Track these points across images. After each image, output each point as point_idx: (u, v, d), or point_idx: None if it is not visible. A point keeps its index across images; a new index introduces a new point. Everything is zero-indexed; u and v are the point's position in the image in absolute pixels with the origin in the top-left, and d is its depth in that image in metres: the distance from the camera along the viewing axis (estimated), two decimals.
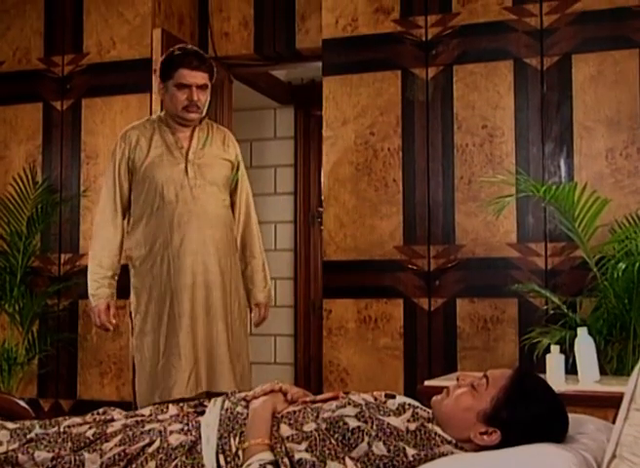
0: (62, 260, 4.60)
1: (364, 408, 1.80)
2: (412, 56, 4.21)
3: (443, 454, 1.71)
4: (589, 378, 3.17)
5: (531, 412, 1.73)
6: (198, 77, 3.25)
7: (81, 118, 4.66)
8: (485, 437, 1.74)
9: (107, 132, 4.58)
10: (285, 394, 1.99)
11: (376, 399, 1.88)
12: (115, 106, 4.59)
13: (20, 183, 4.58)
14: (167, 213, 3.21)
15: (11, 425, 2.03)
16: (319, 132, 4.72)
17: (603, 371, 3.32)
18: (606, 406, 2.75)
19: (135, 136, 3.33)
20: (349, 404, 1.83)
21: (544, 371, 3.16)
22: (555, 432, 1.75)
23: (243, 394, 2.01)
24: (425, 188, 4.16)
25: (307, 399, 1.97)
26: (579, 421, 1.91)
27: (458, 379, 1.87)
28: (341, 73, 4.34)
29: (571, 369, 3.28)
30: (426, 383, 3.28)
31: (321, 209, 5.01)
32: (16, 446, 1.92)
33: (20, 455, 1.89)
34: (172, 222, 3.21)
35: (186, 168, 3.28)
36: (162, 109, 3.47)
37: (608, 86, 3.89)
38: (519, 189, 3.72)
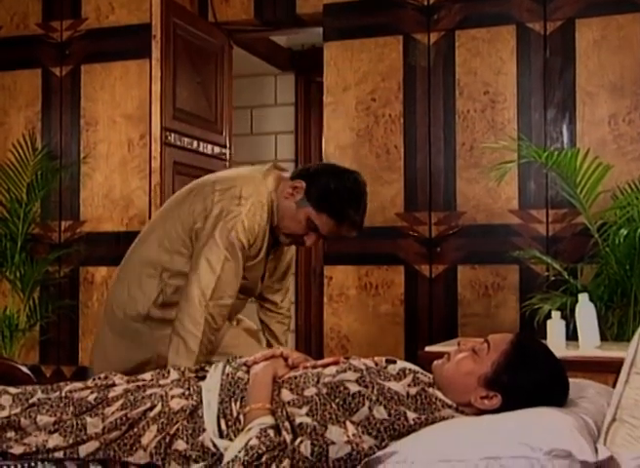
0: (63, 227, 4.59)
1: (365, 372, 1.80)
2: (413, 21, 4.17)
3: (444, 418, 1.72)
4: (590, 344, 3.18)
5: (532, 377, 1.74)
6: (332, 234, 2.64)
7: (80, 84, 4.63)
8: (485, 401, 1.74)
9: (107, 98, 4.56)
10: (286, 359, 2.00)
11: (376, 364, 1.88)
12: (115, 72, 4.56)
13: (20, 150, 4.56)
14: None
15: (13, 390, 2.04)
16: (320, 98, 4.69)
17: (604, 337, 3.34)
18: (606, 371, 2.76)
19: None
20: (350, 368, 1.83)
21: (545, 337, 3.16)
22: (556, 397, 1.76)
23: (244, 359, 2.02)
24: (427, 155, 4.14)
25: (308, 364, 1.97)
26: (579, 386, 1.92)
27: (459, 344, 1.87)
28: (343, 39, 4.31)
29: (571, 335, 3.28)
30: (427, 349, 3.29)
31: None
32: (18, 410, 1.93)
33: (22, 419, 1.89)
34: None
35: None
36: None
37: (611, 51, 3.85)
38: (521, 155, 3.71)
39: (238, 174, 2.72)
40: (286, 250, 2.86)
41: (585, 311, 3.21)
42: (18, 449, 1.84)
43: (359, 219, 2.61)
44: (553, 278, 3.78)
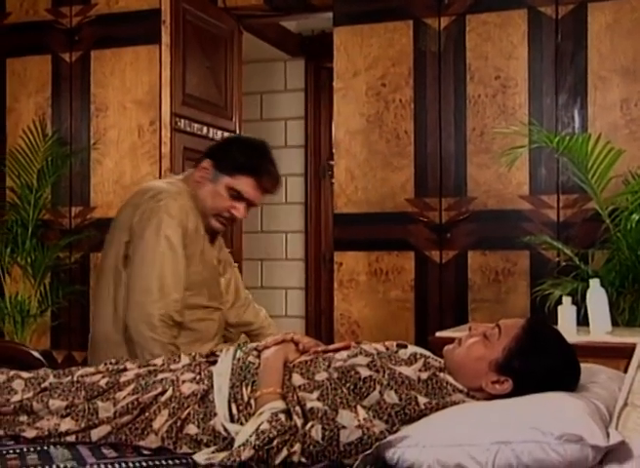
0: (73, 213, 4.60)
1: (376, 357, 1.81)
2: (424, 5, 4.15)
3: (455, 403, 1.72)
4: (601, 329, 3.17)
5: (543, 362, 1.73)
6: (258, 198, 2.61)
7: (90, 70, 4.62)
8: (497, 386, 1.74)
9: (117, 84, 4.55)
10: (297, 344, 2.00)
11: (387, 348, 1.88)
12: (125, 58, 4.55)
13: (30, 136, 4.56)
14: None
15: (25, 375, 2.06)
16: (330, 84, 4.68)
17: (615, 323, 3.32)
18: (618, 356, 2.75)
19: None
20: (361, 353, 1.83)
21: (556, 323, 3.16)
22: (567, 381, 1.76)
23: (255, 344, 2.02)
24: (437, 140, 4.12)
25: (319, 349, 1.97)
26: (590, 370, 1.91)
27: (470, 329, 1.87)
28: (352, 24, 4.29)
29: (582, 321, 3.28)
30: (438, 334, 3.30)
31: (332, 161, 4.99)
32: (30, 394, 1.95)
33: (34, 404, 1.91)
34: None
35: None
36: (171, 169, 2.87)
37: (624, 35, 3.82)
38: (532, 140, 3.69)
39: (152, 184, 2.71)
40: (221, 243, 2.82)
41: (597, 296, 3.20)
42: (30, 433, 1.86)
43: (274, 170, 2.63)
44: (564, 264, 3.77)
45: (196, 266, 2.56)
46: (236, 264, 2.93)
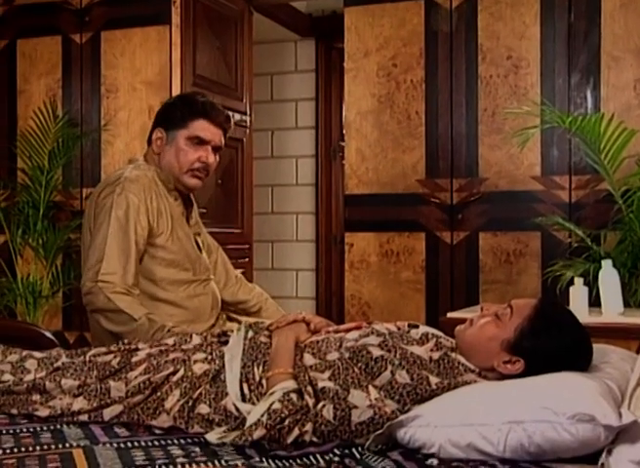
0: (84, 195, 4.60)
1: (387, 337, 1.80)
2: None
3: (466, 383, 1.72)
4: (613, 310, 3.16)
5: (555, 342, 1.73)
6: (218, 136, 2.63)
7: (100, 51, 4.61)
8: (508, 366, 1.74)
9: (127, 65, 4.54)
10: (308, 324, 2.00)
11: (399, 328, 1.88)
12: (134, 39, 4.53)
13: (41, 117, 4.56)
14: None
15: (38, 354, 2.07)
16: (341, 64, 4.65)
17: (627, 304, 3.31)
18: (629, 337, 2.76)
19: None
20: (373, 333, 1.83)
21: (568, 304, 3.15)
22: (579, 362, 1.75)
23: (266, 323, 2.02)
24: (448, 121, 4.10)
25: (330, 329, 1.97)
26: (602, 351, 1.91)
27: (482, 309, 1.87)
28: (363, 4, 4.26)
29: (594, 302, 3.27)
30: (449, 315, 3.30)
31: (342, 143, 4.97)
32: (43, 374, 1.96)
33: (47, 383, 1.92)
34: None
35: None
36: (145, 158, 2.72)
37: (638, 13, 3.78)
38: (544, 120, 3.67)
39: (115, 173, 2.69)
40: (199, 223, 2.81)
41: (609, 277, 3.19)
42: (43, 412, 1.87)
43: (218, 105, 2.67)
44: (576, 245, 3.76)
45: (172, 245, 2.56)
46: (219, 246, 2.92)
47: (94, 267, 2.46)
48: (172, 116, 2.62)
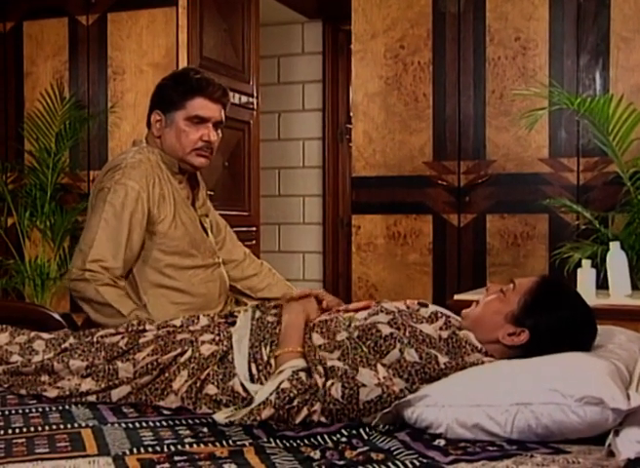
0: (91, 177, 4.61)
1: (397, 315, 1.80)
2: None
3: (473, 364, 1.71)
4: (621, 292, 3.16)
5: (558, 313, 1.74)
6: (218, 112, 2.57)
7: (107, 33, 4.60)
8: (514, 338, 1.75)
9: (134, 47, 4.53)
10: (320, 301, 2.00)
11: (408, 307, 1.88)
12: (141, 21, 4.52)
13: (48, 99, 4.56)
14: None
15: (46, 336, 2.08)
16: (348, 46, 4.63)
17: (635, 287, 3.31)
18: (637, 319, 2.75)
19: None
20: (382, 311, 1.83)
21: (575, 286, 3.15)
22: (583, 336, 1.76)
23: (274, 302, 2.03)
24: (456, 103, 4.08)
25: (340, 308, 1.98)
26: (610, 332, 1.91)
27: (487, 290, 1.88)
28: None
29: (602, 284, 3.26)
30: (456, 297, 3.30)
31: (349, 125, 4.96)
32: (51, 355, 1.96)
33: (55, 364, 1.92)
34: None
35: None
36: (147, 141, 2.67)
37: None
38: (552, 102, 3.65)
39: (116, 158, 2.65)
40: (207, 204, 2.79)
41: (617, 259, 3.18)
42: (52, 393, 1.88)
43: (213, 79, 2.60)
44: (584, 227, 3.75)
45: (175, 231, 2.53)
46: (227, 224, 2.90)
47: (82, 253, 2.44)
48: (167, 97, 2.56)
